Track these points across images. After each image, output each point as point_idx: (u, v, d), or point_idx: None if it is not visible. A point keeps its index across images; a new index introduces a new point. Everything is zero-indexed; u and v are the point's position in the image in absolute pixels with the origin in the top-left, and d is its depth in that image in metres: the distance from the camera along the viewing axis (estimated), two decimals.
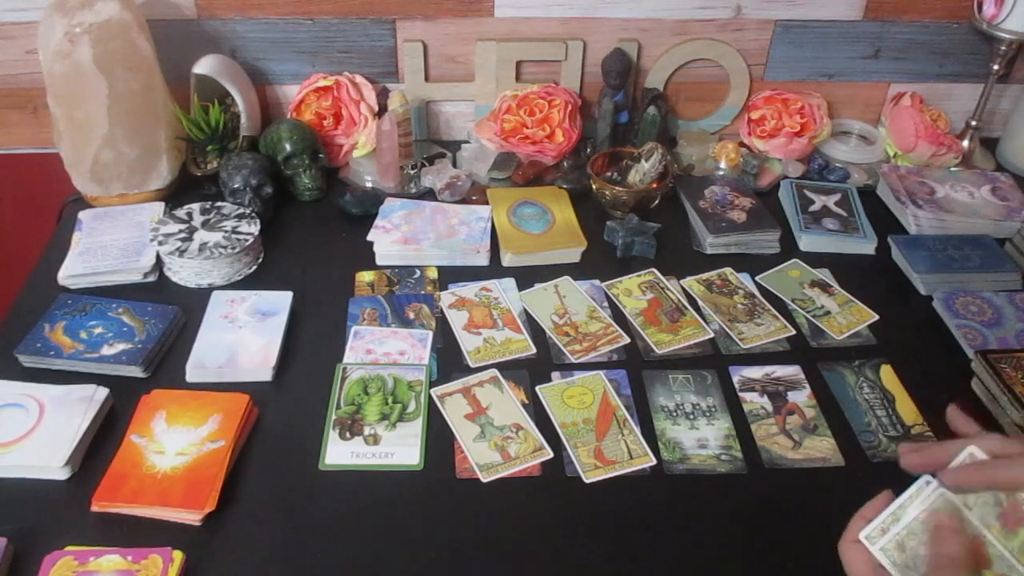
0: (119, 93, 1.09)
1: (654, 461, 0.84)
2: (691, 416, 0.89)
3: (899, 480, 0.77)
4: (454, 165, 1.27)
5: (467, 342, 0.98)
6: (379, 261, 1.10)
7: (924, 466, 0.61)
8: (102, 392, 0.86)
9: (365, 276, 1.07)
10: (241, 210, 1.11)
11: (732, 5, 1.26)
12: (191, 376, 0.91)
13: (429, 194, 1.23)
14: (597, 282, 1.08)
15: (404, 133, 1.20)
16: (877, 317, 1.02)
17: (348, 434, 0.85)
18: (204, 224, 1.08)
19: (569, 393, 0.91)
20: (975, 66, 1.34)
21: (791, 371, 0.95)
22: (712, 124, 1.37)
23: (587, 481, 0.82)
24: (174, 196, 1.19)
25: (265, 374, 0.92)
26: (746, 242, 1.13)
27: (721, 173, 1.27)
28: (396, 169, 1.22)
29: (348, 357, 0.95)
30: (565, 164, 1.27)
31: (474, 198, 1.21)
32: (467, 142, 1.33)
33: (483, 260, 1.10)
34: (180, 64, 1.20)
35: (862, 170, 1.30)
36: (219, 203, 1.12)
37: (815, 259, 1.12)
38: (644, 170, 1.17)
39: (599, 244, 1.14)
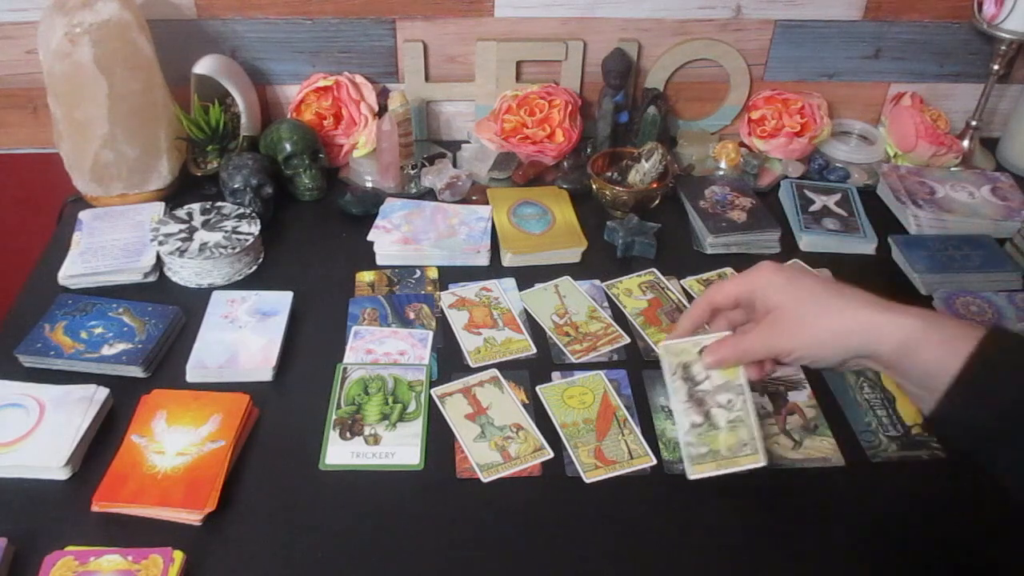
0: (119, 93, 1.09)
1: (654, 461, 0.84)
2: None
3: (900, 480, 0.77)
4: (454, 165, 1.27)
5: (467, 342, 0.98)
6: (379, 261, 1.10)
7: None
8: (102, 392, 0.86)
9: (365, 276, 1.07)
10: (241, 210, 1.11)
11: (732, 5, 1.26)
12: (191, 376, 0.91)
13: (429, 194, 1.23)
14: (597, 282, 1.08)
15: (404, 133, 1.20)
16: None
17: (348, 434, 0.85)
18: (204, 224, 1.08)
19: (569, 393, 0.91)
20: (975, 66, 1.34)
21: (791, 371, 0.95)
22: (712, 124, 1.37)
23: (587, 481, 0.82)
24: (174, 196, 1.19)
25: (265, 374, 0.92)
26: (746, 242, 1.13)
27: (721, 173, 1.27)
28: (396, 169, 1.22)
29: (348, 357, 0.95)
30: (565, 164, 1.27)
31: (474, 198, 1.21)
32: (467, 142, 1.33)
33: (483, 260, 1.10)
34: (180, 64, 1.20)
35: (862, 170, 1.30)
36: (219, 203, 1.12)
37: (815, 259, 1.12)
38: (644, 170, 1.17)
39: (599, 244, 1.14)
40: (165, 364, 0.94)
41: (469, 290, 1.05)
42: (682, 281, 1.08)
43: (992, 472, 0.60)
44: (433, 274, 1.08)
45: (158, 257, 1.06)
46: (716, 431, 0.76)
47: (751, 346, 0.71)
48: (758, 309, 0.71)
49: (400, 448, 0.84)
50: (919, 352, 0.62)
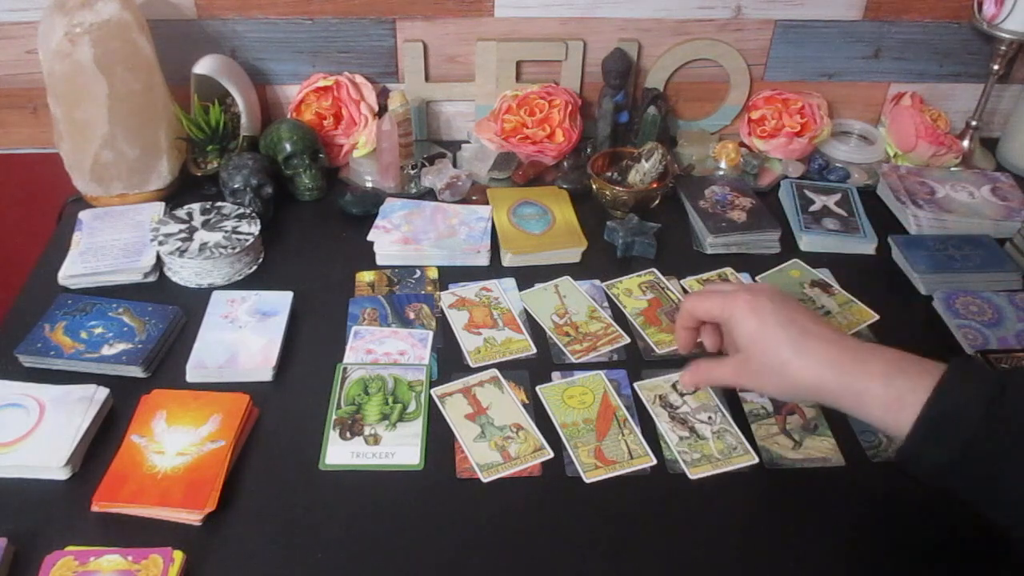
0: (119, 93, 1.09)
1: (654, 461, 0.84)
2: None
3: (900, 480, 0.77)
4: (454, 165, 1.27)
5: (467, 342, 0.98)
6: (379, 261, 1.10)
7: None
8: (102, 392, 0.86)
9: (365, 276, 1.07)
10: (241, 210, 1.11)
11: (732, 5, 1.27)
12: (191, 376, 0.91)
13: (429, 194, 1.23)
14: (597, 282, 1.08)
15: (404, 133, 1.20)
16: (877, 317, 1.02)
17: (348, 434, 0.85)
18: (204, 224, 1.08)
19: (569, 393, 0.91)
20: (975, 66, 1.34)
21: None
22: (712, 124, 1.37)
23: (587, 481, 0.82)
24: (174, 196, 1.19)
25: (265, 374, 0.92)
26: (746, 242, 1.13)
27: (721, 173, 1.27)
28: (396, 169, 1.22)
29: (348, 357, 0.95)
30: (565, 164, 1.27)
31: (474, 198, 1.21)
32: (467, 142, 1.33)
33: (483, 260, 1.10)
34: (180, 64, 1.20)
35: (862, 170, 1.30)
36: (219, 203, 1.13)
37: (815, 259, 1.12)
38: (644, 170, 1.17)
39: (599, 244, 1.14)
40: (165, 364, 0.94)
41: (469, 290, 1.05)
42: (682, 281, 1.08)
43: (964, 503, 0.63)
44: (433, 274, 1.08)
45: (158, 257, 1.06)
46: (704, 440, 0.85)
47: (721, 378, 0.78)
48: (726, 335, 0.78)
49: (400, 448, 0.84)
50: (876, 408, 0.66)
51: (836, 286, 1.07)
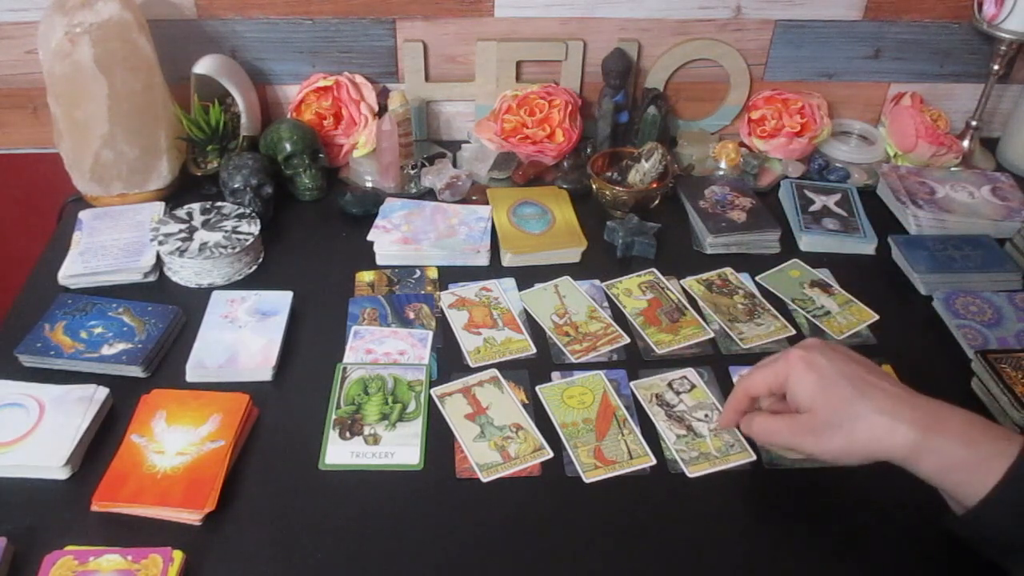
0: (119, 93, 1.10)
1: (654, 461, 0.84)
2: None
3: (899, 479, 0.77)
4: (454, 165, 1.27)
5: (467, 342, 0.98)
6: (379, 261, 1.10)
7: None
8: (102, 392, 0.86)
9: (365, 276, 1.07)
10: (241, 210, 1.11)
11: (732, 5, 1.27)
12: (191, 376, 0.91)
13: (429, 194, 1.23)
14: (597, 282, 1.08)
15: (404, 133, 1.20)
16: (877, 317, 1.02)
17: (348, 434, 0.85)
18: (204, 224, 1.08)
19: (569, 393, 0.91)
20: (975, 66, 1.34)
21: None
22: (712, 124, 1.37)
23: (587, 481, 0.82)
24: (174, 196, 1.19)
25: (265, 374, 0.92)
26: (746, 242, 1.13)
27: (721, 173, 1.27)
28: (396, 169, 1.22)
29: (348, 357, 0.95)
30: (565, 164, 1.27)
31: (474, 198, 1.21)
32: (467, 142, 1.33)
33: (483, 260, 1.10)
34: (180, 64, 1.20)
35: (862, 170, 1.30)
36: (219, 203, 1.13)
37: (815, 259, 1.12)
38: (644, 170, 1.17)
39: (599, 244, 1.14)
40: (165, 364, 0.94)
41: (469, 290, 1.05)
42: (682, 281, 1.08)
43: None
44: (433, 274, 1.08)
45: (158, 257, 1.06)
46: (701, 438, 0.86)
47: (775, 433, 0.73)
48: (788, 399, 0.72)
49: (400, 448, 0.84)
50: (958, 471, 0.63)
51: (836, 286, 1.07)
